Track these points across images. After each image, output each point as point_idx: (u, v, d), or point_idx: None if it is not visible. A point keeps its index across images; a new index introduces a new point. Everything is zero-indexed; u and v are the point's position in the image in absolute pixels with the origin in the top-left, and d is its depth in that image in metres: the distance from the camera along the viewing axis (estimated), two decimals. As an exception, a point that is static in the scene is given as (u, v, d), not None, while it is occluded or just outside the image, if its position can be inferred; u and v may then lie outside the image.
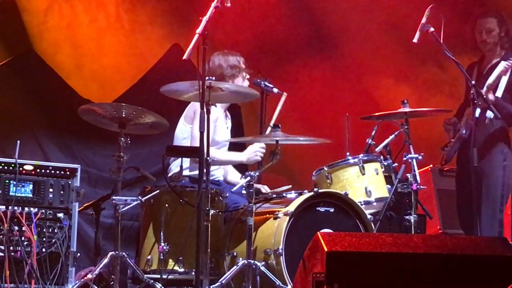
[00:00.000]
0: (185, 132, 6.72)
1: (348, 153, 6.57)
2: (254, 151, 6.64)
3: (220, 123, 6.77)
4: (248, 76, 6.88)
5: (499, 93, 6.93)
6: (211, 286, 5.56)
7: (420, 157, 6.49)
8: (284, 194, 6.30)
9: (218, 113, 6.66)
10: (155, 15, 8.97)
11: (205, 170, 5.46)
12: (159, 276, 5.94)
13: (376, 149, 6.65)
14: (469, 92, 6.68)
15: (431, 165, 8.08)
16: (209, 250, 5.52)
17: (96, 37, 8.63)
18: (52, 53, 8.39)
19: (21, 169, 6.39)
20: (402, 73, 9.61)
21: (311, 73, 9.59)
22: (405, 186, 6.49)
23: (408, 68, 9.58)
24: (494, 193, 6.89)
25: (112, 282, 5.85)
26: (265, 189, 6.76)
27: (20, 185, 6.36)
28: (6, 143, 7.58)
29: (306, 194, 6.08)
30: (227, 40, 8.73)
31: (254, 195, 5.90)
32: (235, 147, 7.14)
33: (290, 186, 6.49)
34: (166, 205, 6.10)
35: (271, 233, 5.93)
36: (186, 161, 6.51)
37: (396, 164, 6.61)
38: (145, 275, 5.91)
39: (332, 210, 6.10)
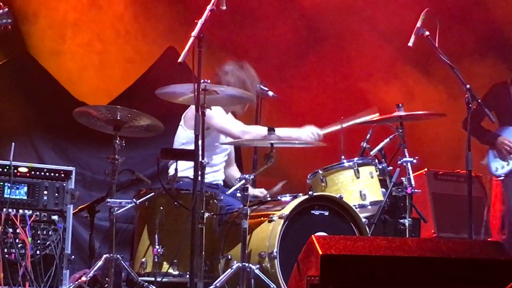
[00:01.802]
0: (184, 137, 6.72)
1: (343, 157, 6.57)
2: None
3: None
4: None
5: None
6: (206, 289, 5.57)
7: (414, 161, 6.50)
8: (279, 197, 6.30)
9: None
10: (150, 18, 8.97)
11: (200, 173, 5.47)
12: (153, 279, 5.94)
13: (371, 153, 6.66)
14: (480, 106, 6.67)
15: (425, 169, 8.09)
16: (203, 253, 5.51)
17: (91, 38, 8.65)
18: (51, 54, 8.42)
19: (15, 171, 6.38)
20: (397, 76, 9.62)
21: (306, 77, 9.60)
22: (399, 189, 6.49)
23: (404, 71, 9.59)
24: None
25: (107, 285, 5.84)
26: (261, 192, 6.75)
27: (15, 187, 6.35)
28: (1, 145, 7.56)
29: (301, 197, 6.08)
30: (223, 44, 8.73)
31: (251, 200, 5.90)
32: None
33: (286, 180, 6.47)
34: (161, 207, 6.10)
35: (265, 236, 5.92)
36: (183, 164, 6.52)
37: (391, 167, 6.62)
38: (139, 278, 5.91)
39: (326, 213, 6.10)
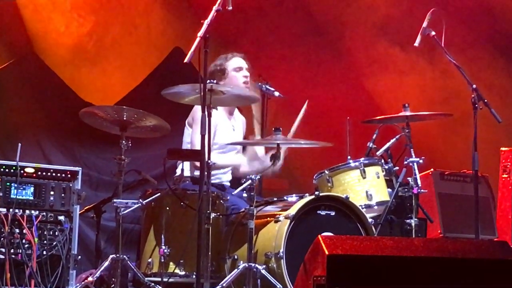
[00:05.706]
0: (188, 136, 6.74)
1: (349, 157, 6.57)
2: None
3: (222, 127, 6.77)
4: (247, 74, 6.86)
5: None
6: (212, 289, 5.57)
7: (421, 161, 6.50)
8: (285, 198, 6.30)
9: (218, 118, 6.65)
10: (156, 18, 8.98)
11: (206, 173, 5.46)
12: (160, 279, 5.94)
13: (377, 153, 6.66)
14: None
15: (432, 169, 8.08)
16: (210, 253, 5.51)
17: (98, 38, 8.66)
18: (54, 52, 8.42)
19: (22, 171, 6.39)
20: (404, 75, 9.60)
21: (312, 77, 9.59)
22: (406, 189, 6.49)
23: (411, 70, 9.57)
24: None
25: (113, 285, 5.85)
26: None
27: (21, 188, 6.36)
28: (8, 146, 7.59)
29: (307, 198, 6.07)
30: (225, 41, 8.73)
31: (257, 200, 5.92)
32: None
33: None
34: (167, 208, 6.10)
35: (272, 236, 5.92)
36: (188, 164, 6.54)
37: (397, 167, 6.62)
38: (146, 278, 5.91)
39: (333, 213, 6.09)
